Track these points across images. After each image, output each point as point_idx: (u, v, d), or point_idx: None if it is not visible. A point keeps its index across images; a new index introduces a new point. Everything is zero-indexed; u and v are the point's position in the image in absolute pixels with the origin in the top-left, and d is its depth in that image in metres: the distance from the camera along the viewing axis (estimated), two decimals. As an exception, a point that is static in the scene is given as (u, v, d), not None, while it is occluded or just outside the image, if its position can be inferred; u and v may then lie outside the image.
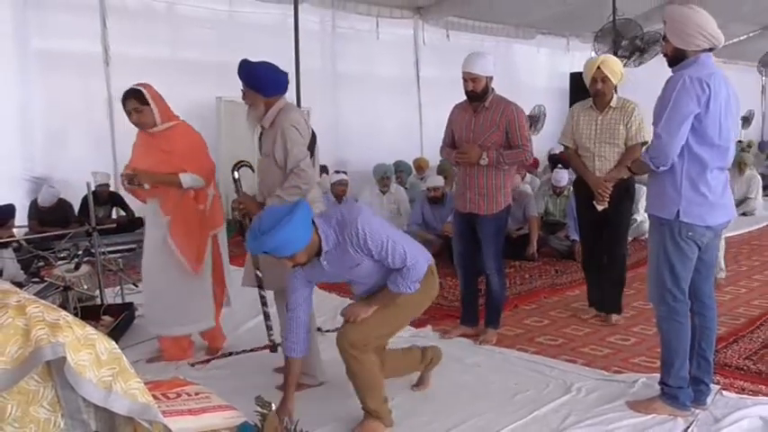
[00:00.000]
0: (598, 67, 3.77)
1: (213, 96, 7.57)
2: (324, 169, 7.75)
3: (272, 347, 3.07)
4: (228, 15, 8.07)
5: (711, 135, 2.51)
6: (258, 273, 3.03)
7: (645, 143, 3.73)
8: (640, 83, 5.26)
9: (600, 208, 3.69)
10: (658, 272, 2.65)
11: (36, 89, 6.92)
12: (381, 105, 9.51)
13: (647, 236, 2.93)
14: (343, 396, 2.91)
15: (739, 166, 8.56)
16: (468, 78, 3.51)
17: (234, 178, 3.14)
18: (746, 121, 16.73)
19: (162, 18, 7.69)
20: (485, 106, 3.55)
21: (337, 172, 6.64)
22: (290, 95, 6.36)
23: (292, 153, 2.95)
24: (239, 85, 3.08)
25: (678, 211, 2.56)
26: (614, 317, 4.02)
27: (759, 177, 8.84)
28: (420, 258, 2.59)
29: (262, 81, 3.05)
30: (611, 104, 3.83)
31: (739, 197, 8.44)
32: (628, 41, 8.36)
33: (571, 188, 4.97)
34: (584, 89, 3.97)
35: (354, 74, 9.50)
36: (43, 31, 6.90)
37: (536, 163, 9.41)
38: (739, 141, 11.41)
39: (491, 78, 3.55)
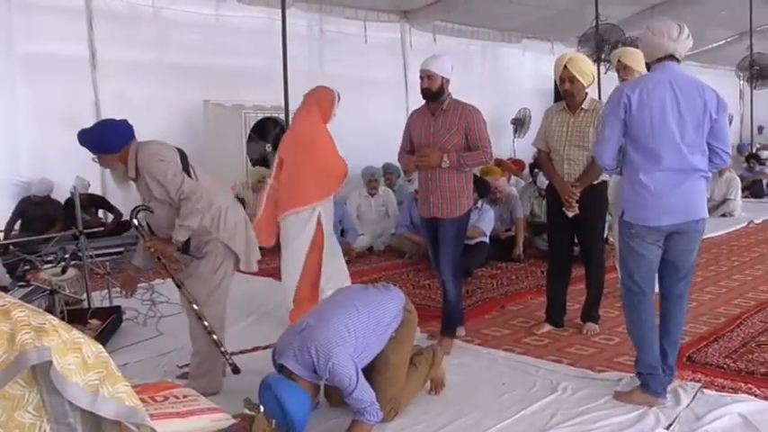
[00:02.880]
0: (565, 66, 3.60)
1: (200, 100, 7.54)
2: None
3: (234, 369, 3.13)
4: (215, 19, 8.04)
5: (642, 139, 2.68)
6: (195, 307, 2.99)
7: None
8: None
9: (570, 215, 3.64)
10: (619, 264, 2.93)
11: (22, 93, 6.87)
12: (370, 108, 9.52)
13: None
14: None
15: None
16: (425, 76, 3.49)
17: (134, 225, 3.06)
18: (726, 123, 16.83)
19: (149, 22, 7.66)
20: (443, 109, 3.52)
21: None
22: (277, 99, 6.42)
23: (168, 183, 2.89)
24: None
25: (623, 212, 2.78)
26: (589, 326, 3.87)
27: (738, 179, 8.94)
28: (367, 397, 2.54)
29: (107, 140, 2.95)
30: (583, 106, 3.67)
31: (719, 198, 8.56)
32: (611, 46, 8.46)
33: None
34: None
35: (342, 77, 9.49)
36: (29, 34, 6.86)
37: (522, 166, 9.47)
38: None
39: (448, 81, 3.52)
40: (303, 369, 2.51)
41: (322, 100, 3.99)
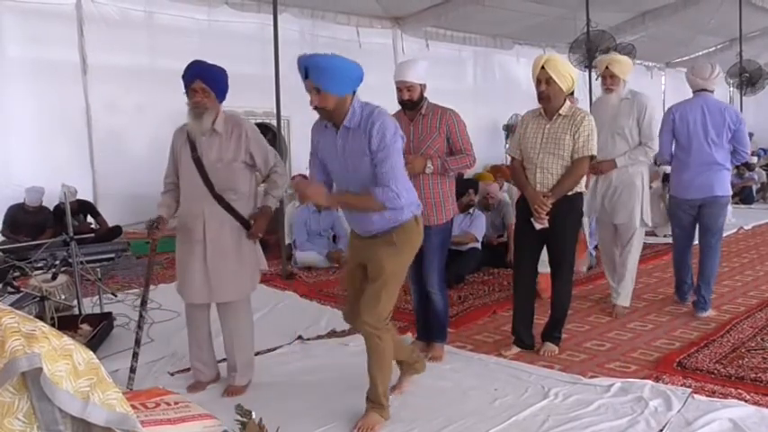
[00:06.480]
0: (542, 67, 3.36)
1: (192, 105, 7.54)
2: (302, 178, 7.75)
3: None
4: (208, 24, 8.06)
5: (682, 142, 4.33)
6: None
7: (593, 157, 3.48)
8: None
9: (538, 227, 3.40)
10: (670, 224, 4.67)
11: (13, 98, 6.85)
12: (361, 114, 9.56)
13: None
14: (331, 397, 2.94)
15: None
16: (403, 87, 3.41)
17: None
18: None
19: (140, 27, 7.66)
20: (422, 114, 3.45)
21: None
22: (269, 105, 6.42)
23: (269, 150, 3.13)
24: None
25: (669, 188, 4.65)
26: (548, 347, 3.60)
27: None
28: (404, 197, 2.61)
29: (225, 85, 3.07)
30: (561, 112, 3.43)
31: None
32: (601, 52, 8.55)
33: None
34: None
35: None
36: (20, 39, 6.84)
37: (514, 172, 9.52)
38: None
39: (425, 86, 3.45)
40: (359, 107, 2.69)
41: None
